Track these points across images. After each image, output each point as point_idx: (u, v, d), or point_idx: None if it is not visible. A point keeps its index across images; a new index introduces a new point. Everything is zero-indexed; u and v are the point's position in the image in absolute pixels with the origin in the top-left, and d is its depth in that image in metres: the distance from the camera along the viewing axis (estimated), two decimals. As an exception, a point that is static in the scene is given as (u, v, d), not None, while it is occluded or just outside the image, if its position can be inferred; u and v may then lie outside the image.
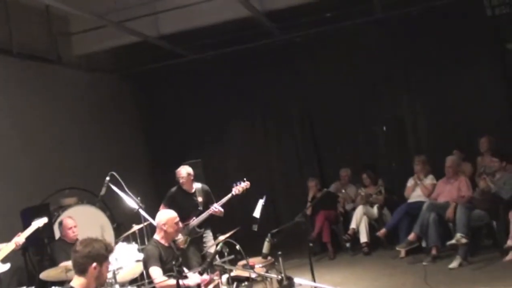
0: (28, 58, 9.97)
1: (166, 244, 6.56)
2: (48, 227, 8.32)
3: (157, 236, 6.61)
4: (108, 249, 4.29)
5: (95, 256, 4.18)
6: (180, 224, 6.60)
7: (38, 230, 7.17)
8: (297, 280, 4.10)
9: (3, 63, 9.48)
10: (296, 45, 12.06)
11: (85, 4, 9.68)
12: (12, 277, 8.21)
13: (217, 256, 6.90)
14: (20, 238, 6.78)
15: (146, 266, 6.38)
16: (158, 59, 12.24)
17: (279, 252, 5.07)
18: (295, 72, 12.42)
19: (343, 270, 9.55)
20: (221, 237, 6.02)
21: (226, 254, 5.55)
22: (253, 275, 5.51)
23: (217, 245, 5.88)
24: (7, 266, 6.65)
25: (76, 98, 11.05)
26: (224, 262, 5.42)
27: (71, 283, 4.24)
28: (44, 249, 8.36)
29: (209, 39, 11.74)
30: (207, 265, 5.06)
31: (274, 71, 12.47)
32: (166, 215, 6.67)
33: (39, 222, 7.10)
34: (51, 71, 10.55)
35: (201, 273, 5.18)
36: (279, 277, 4.07)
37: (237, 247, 5.41)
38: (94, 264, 4.17)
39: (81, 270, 4.21)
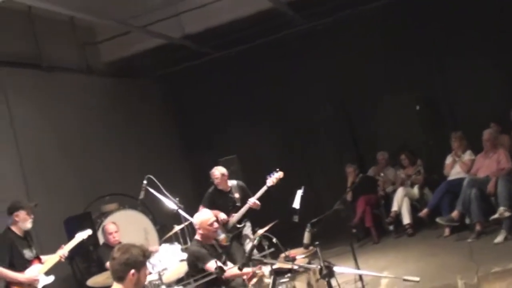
0: (58, 70, 10.13)
1: (210, 243, 6.60)
2: (92, 234, 8.45)
3: (197, 237, 6.68)
4: (146, 255, 4.27)
5: (133, 263, 4.16)
6: (216, 225, 6.60)
7: (82, 242, 7.26)
8: (336, 268, 4.07)
9: (34, 78, 9.66)
10: (321, 31, 11.97)
11: (108, 11, 9.81)
12: (61, 286, 8.32)
13: (255, 250, 6.97)
14: (64, 251, 6.89)
15: (197, 266, 6.36)
16: (184, 60, 12.35)
17: (317, 242, 5.01)
18: (323, 58, 12.26)
19: (388, 253, 9.48)
20: (260, 231, 6.02)
21: (266, 247, 5.56)
22: (295, 267, 5.49)
23: (254, 239, 5.88)
24: (50, 279, 6.73)
25: (108, 105, 11.18)
26: (264, 256, 5.43)
27: None
28: (90, 257, 8.49)
29: (233, 35, 11.72)
30: (245, 260, 5.06)
31: (302, 59, 12.38)
32: (200, 218, 6.72)
33: (83, 235, 7.20)
34: (81, 81, 10.71)
35: (240, 269, 5.18)
36: (318, 266, 4.05)
37: (274, 240, 5.41)
38: (133, 271, 4.14)
39: (119, 277, 4.20)
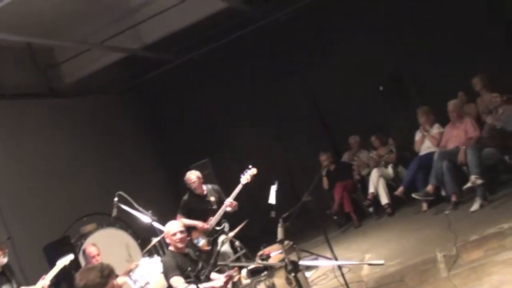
0: (22, 97, 10.08)
1: (183, 252, 6.65)
2: (74, 259, 8.44)
3: (170, 247, 6.72)
4: (105, 274, 4.31)
5: (91, 286, 4.23)
6: (179, 235, 6.63)
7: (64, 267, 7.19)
8: (302, 262, 4.12)
9: (1, 106, 9.60)
10: (283, 24, 11.94)
11: (65, 32, 9.78)
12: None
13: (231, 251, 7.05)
14: (45, 282, 6.77)
15: (166, 278, 6.47)
16: (149, 70, 12.30)
17: (279, 238, 5.04)
18: (288, 50, 12.32)
19: (370, 235, 9.55)
20: (230, 234, 6.07)
21: (239, 249, 5.59)
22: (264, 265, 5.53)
23: (221, 244, 5.93)
24: (34, 312, 6.68)
25: (77, 125, 11.16)
26: (238, 257, 5.46)
27: None
28: (74, 281, 8.45)
29: (192, 39, 11.73)
30: (211, 266, 5.11)
31: (266, 54, 12.45)
32: (165, 229, 6.79)
33: (65, 261, 7.09)
34: (47, 104, 10.66)
35: (207, 276, 5.23)
36: (283, 263, 4.08)
37: (237, 243, 5.45)
38: None
39: None
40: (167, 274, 6.44)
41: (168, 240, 6.66)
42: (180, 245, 6.61)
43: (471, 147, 8.59)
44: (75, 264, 8.41)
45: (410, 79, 11.62)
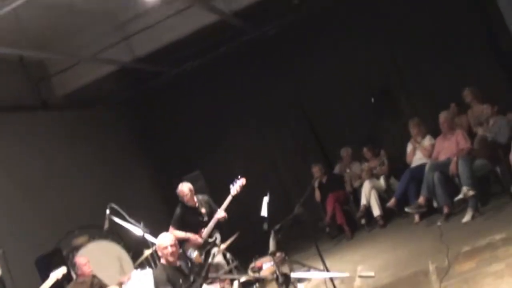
0: (12, 110, 10.06)
1: (175, 264, 6.64)
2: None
3: (162, 260, 6.73)
4: None
5: None
6: (170, 249, 6.64)
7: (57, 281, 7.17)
8: (294, 274, 4.11)
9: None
10: (272, 37, 11.96)
11: (56, 45, 9.79)
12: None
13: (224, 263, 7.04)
14: None
15: None
16: (140, 82, 12.32)
17: (271, 250, 5.05)
18: (279, 63, 12.37)
19: (362, 247, 9.55)
20: (222, 246, 6.06)
21: (231, 261, 5.58)
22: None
23: (213, 256, 5.93)
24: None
25: (69, 138, 11.13)
26: (230, 269, 5.45)
27: None
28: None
29: (185, 51, 11.73)
30: (202, 279, 5.10)
31: (256, 67, 12.46)
32: (157, 242, 6.82)
33: (58, 273, 7.08)
34: (38, 117, 10.63)
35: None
36: (274, 275, 4.08)
37: (228, 255, 5.45)
38: None
39: None
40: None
41: (159, 253, 6.66)
42: (171, 259, 6.60)
43: (462, 158, 8.60)
44: (66, 276, 8.40)
45: (401, 91, 11.67)
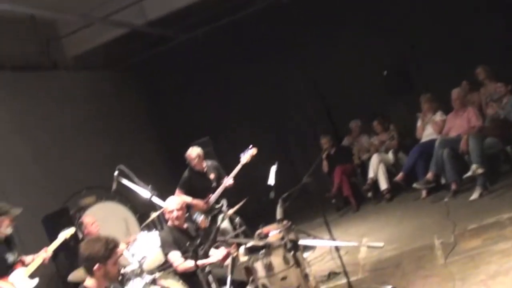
0: (23, 69, 10.04)
1: (182, 227, 6.66)
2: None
3: (169, 222, 6.75)
4: (109, 247, 4.34)
5: (95, 257, 4.26)
6: (176, 213, 6.65)
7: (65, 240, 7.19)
8: (301, 241, 4.11)
9: (2, 78, 9.56)
10: (286, 5, 11.74)
11: (68, 5, 9.70)
12: (48, 283, 8.33)
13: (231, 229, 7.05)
14: (48, 253, 6.78)
15: (163, 253, 6.52)
16: (151, 47, 12.26)
17: (279, 217, 5.03)
18: (291, 34, 12.24)
19: (368, 220, 9.57)
20: (229, 211, 6.06)
21: (237, 226, 5.58)
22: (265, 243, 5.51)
23: (221, 220, 5.93)
24: (35, 282, 6.63)
25: (78, 99, 11.14)
26: (237, 235, 5.45)
27: (84, 283, 4.34)
28: (72, 252, 8.47)
29: (197, 16, 11.64)
30: (210, 242, 5.11)
31: (270, 35, 12.35)
32: (164, 205, 6.86)
33: (66, 233, 7.08)
34: (48, 77, 10.61)
35: (206, 252, 5.24)
36: (283, 242, 4.08)
37: (237, 219, 5.44)
38: (97, 265, 4.26)
39: (87, 271, 4.32)
40: (164, 249, 6.49)
41: (166, 216, 6.67)
42: (177, 222, 6.63)
43: (473, 136, 8.56)
44: (74, 236, 8.44)
45: (414, 66, 11.56)
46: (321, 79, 12.32)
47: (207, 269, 4.82)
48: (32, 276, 6.62)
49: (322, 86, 12.30)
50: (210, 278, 4.50)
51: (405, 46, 11.43)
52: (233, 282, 4.94)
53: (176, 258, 6.23)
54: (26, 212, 8.31)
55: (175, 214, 6.61)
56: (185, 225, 6.77)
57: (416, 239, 7.34)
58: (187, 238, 6.50)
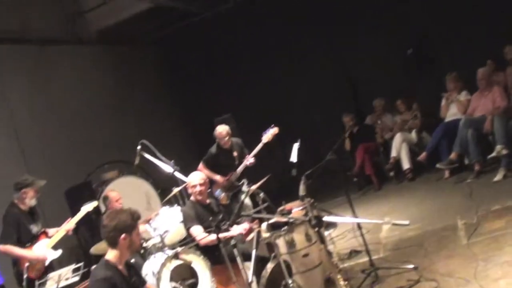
0: (48, 43, 10.08)
1: (204, 202, 6.68)
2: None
3: (191, 197, 6.77)
4: (135, 217, 4.39)
5: (122, 227, 4.29)
6: (198, 188, 6.66)
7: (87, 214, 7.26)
8: (326, 218, 4.09)
9: (24, 52, 9.61)
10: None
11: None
12: (69, 256, 8.40)
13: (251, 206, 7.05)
14: (70, 225, 6.88)
15: (185, 228, 6.56)
16: (175, 22, 12.23)
17: (303, 194, 5.01)
18: (316, 10, 12.11)
19: (389, 199, 9.53)
20: (252, 187, 6.05)
21: (260, 202, 5.58)
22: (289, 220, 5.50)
23: (245, 196, 5.92)
24: (58, 253, 6.72)
25: (101, 74, 11.17)
26: (259, 211, 5.45)
27: (106, 256, 4.37)
28: (94, 225, 8.55)
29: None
30: (234, 216, 5.11)
31: (294, 12, 12.24)
32: (187, 180, 6.84)
33: (89, 207, 7.17)
34: (72, 51, 10.66)
35: (230, 225, 5.24)
36: (307, 217, 4.06)
37: (261, 195, 5.43)
38: (123, 235, 4.30)
39: (112, 243, 4.34)
40: (186, 224, 6.52)
41: (189, 191, 6.68)
42: (200, 197, 6.64)
43: (498, 116, 8.48)
44: (95, 209, 8.51)
45: (439, 44, 11.41)
46: (345, 57, 12.22)
47: (232, 242, 4.80)
48: (55, 247, 6.70)
49: (346, 64, 12.21)
50: (235, 251, 4.49)
51: (430, 24, 11.27)
52: (255, 258, 4.93)
53: (198, 231, 6.25)
54: (49, 185, 8.41)
55: (198, 188, 6.62)
56: (208, 201, 6.78)
57: (439, 219, 7.29)
58: (209, 213, 6.51)
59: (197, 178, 6.73)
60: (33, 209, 6.88)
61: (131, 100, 11.70)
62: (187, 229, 6.47)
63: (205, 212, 6.54)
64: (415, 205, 8.55)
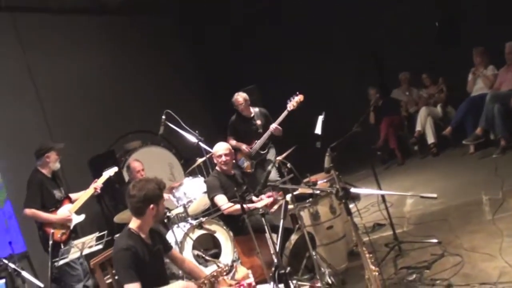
0: (71, 12, 10.08)
1: (229, 173, 6.68)
2: (117, 172, 8.54)
3: (217, 167, 6.75)
4: (161, 187, 4.40)
5: (150, 198, 4.32)
6: (224, 158, 6.62)
7: (110, 179, 7.31)
8: (353, 189, 4.06)
9: (47, 21, 9.64)
10: None
11: None
12: (92, 224, 8.49)
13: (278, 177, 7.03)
14: (98, 184, 6.93)
15: (209, 197, 6.55)
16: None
17: (331, 164, 4.96)
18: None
19: (413, 174, 9.49)
20: (278, 158, 6.02)
21: (285, 173, 5.55)
22: (316, 191, 5.50)
23: (271, 166, 5.90)
24: (82, 217, 6.78)
25: (124, 43, 11.16)
26: (284, 182, 5.42)
27: (130, 225, 4.40)
28: (117, 194, 8.61)
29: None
30: (260, 186, 5.09)
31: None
32: (214, 149, 6.79)
33: (110, 172, 7.21)
34: (95, 21, 10.66)
35: (256, 195, 5.23)
36: (334, 189, 4.03)
37: (288, 165, 5.40)
38: (152, 206, 4.33)
39: (139, 212, 4.36)
40: (210, 193, 6.50)
41: (215, 161, 6.69)
42: (225, 167, 6.62)
43: (525, 91, 8.36)
44: (119, 178, 8.58)
45: (466, 18, 11.21)
46: (371, 30, 12.06)
47: (260, 211, 4.79)
48: (78, 212, 6.76)
49: (372, 37, 12.05)
50: (264, 221, 4.48)
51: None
52: (278, 228, 4.92)
53: (223, 201, 6.25)
54: (73, 154, 8.50)
55: (223, 158, 6.60)
56: (232, 172, 6.77)
57: (463, 194, 7.22)
58: (234, 184, 6.51)
59: (222, 148, 6.71)
60: (56, 174, 6.94)
61: (154, 70, 11.66)
62: (211, 198, 6.47)
63: (230, 183, 6.54)
64: (438, 180, 8.48)
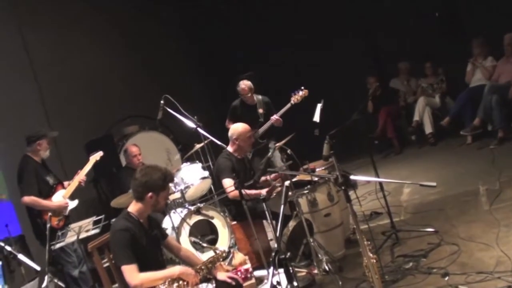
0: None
1: (239, 157, 6.62)
2: (114, 156, 8.53)
3: (230, 149, 6.64)
4: (167, 179, 4.40)
5: (151, 186, 4.32)
6: (253, 138, 6.58)
7: (100, 163, 7.21)
8: (352, 176, 4.06)
9: (45, 3, 9.56)
10: None
11: None
12: (88, 208, 8.47)
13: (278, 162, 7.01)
14: (81, 176, 6.85)
15: (218, 177, 6.44)
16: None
17: (330, 152, 4.97)
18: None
19: (410, 163, 9.50)
20: (277, 144, 6.02)
21: (284, 160, 5.55)
22: (314, 178, 5.50)
23: (270, 152, 5.89)
24: (75, 203, 6.74)
25: (123, 27, 11.04)
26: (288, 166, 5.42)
27: (129, 208, 4.41)
28: (113, 179, 8.59)
29: None
30: (260, 172, 5.09)
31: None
32: (239, 129, 6.61)
33: (96, 156, 7.12)
34: (94, 3, 10.53)
35: (256, 181, 5.22)
36: (334, 176, 4.04)
37: (288, 151, 5.40)
38: (150, 194, 4.34)
39: (138, 197, 4.38)
40: (221, 174, 6.39)
41: (239, 141, 6.54)
42: (247, 149, 6.60)
43: (524, 83, 8.36)
44: (116, 162, 8.56)
45: (466, 9, 11.21)
46: (371, 19, 12.03)
47: (262, 195, 4.79)
48: (71, 198, 6.73)
49: (371, 26, 12.03)
50: (265, 206, 4.48)
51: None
52: (276, 215, 4.92)
53: (230, 184, 6.19)
54: (68, 138, 8.47)
55: (252, 139, 6.61)
56: (242, 156, 6.71)
57: (460, 185, 7.24)
58: (243, 167, 6.51)
59: (249, 129, 6.67)
60: (44, 161, 6.90)
61: (153, 54, 11.56)
62: (220, 180, 6.40)
63: (240, 166, 6.52)
64: (436, 170, 8.50)
